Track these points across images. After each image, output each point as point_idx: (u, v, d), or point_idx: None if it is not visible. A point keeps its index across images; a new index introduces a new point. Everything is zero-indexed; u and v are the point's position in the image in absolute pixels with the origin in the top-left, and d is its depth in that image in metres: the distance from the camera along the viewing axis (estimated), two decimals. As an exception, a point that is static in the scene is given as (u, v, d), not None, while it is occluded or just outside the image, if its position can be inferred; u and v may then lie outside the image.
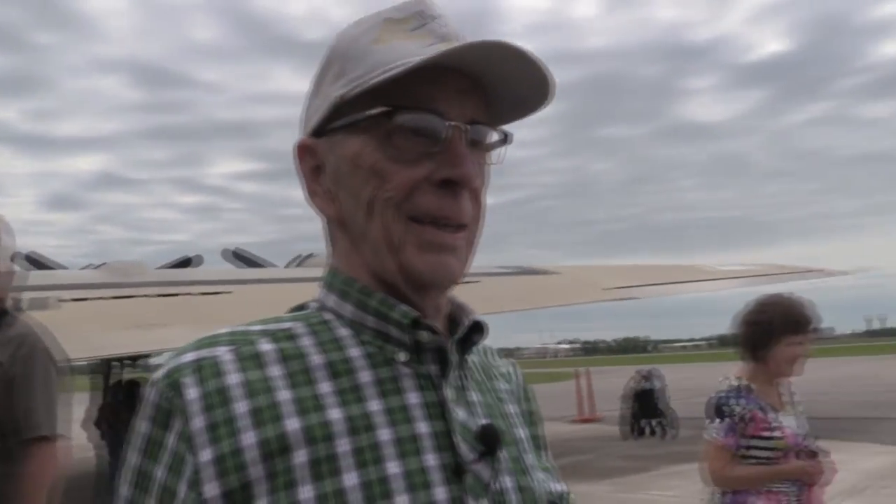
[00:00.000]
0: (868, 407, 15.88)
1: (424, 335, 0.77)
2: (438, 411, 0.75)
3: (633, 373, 14.37)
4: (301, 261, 14.29)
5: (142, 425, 0.73)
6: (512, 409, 0.87)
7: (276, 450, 0.69)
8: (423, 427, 0.74)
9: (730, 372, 2.92)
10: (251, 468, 0.68)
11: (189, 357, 0.73)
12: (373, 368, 0.76)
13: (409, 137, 0.75)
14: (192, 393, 0.71)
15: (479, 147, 0.79)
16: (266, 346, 0.75)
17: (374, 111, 0.75)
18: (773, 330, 2.80)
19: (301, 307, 0.85)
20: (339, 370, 0.75)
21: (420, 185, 0.75)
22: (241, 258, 14.93)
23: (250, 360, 0.73)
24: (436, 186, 0.75)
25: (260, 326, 0.78)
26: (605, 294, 11.89)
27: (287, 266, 14.31)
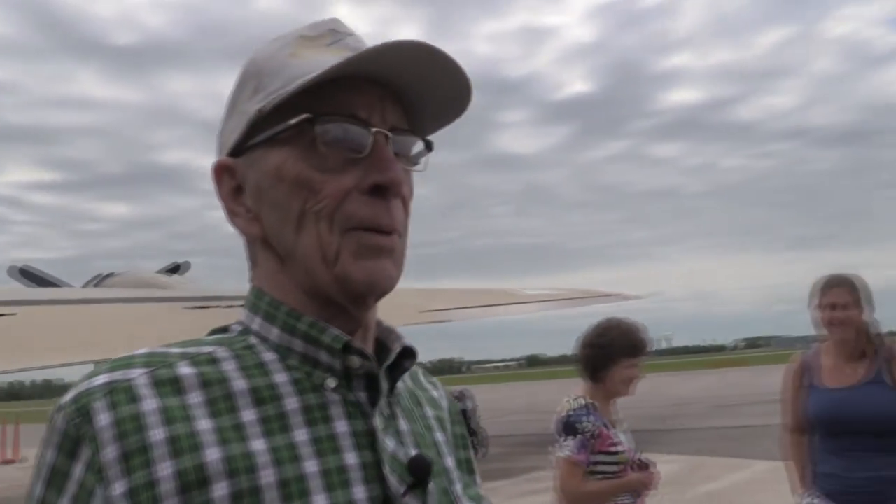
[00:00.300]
0: (657, 419, 17.31)
1: (355, 360, 0.74)
2: (367, 441, 0.72)
3: (446, 394, 14.67)
4: (99, 280, 13.37)
5: (47, 454, 0.67)
6: (440, 436, 0.84)
7: (194, 482, 0.64)
8: (351, 458, 0.71)
9: (569, 391, 3.05)
10: (166, 501, 0.63)
11: (101, 380, 0.68)
12: (300, 395, 0.72)
13: (333, 146, 0.73)
14: (103, 419, 0.65)
15: (403, 156, 0.78)
16: (185, 370, 0.70)
17: (294, 120, 0.73)
18: (612, 353, 2.96)
19: (223, 330, 0.80)
20: (263, 397, 0.71)
21: (350, 194, 0.73)
22: (30, 276, 13.76)
23: (168, 384, 0.69)
24: (366, 194, 0.73)
25: (179, 349, 0.74)
26: (421, 317, 12.11)
27: (84, 286, 13.32)
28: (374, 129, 0.74)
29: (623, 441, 2.95)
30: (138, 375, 0.68)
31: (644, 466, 2.94)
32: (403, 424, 0.78)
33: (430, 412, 0.86)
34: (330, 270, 0.73)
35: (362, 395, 0.75)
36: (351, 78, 0.73)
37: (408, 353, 0.80)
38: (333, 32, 0.79)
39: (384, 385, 0.76)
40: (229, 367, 0.72)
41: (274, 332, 0.76)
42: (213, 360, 0.72)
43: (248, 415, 0.69)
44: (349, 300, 0.74)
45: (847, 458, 3.03)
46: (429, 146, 0.81)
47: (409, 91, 0.77)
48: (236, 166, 0.79)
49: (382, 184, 0.73)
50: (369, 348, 0.78)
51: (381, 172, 0.73)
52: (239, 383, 0.71)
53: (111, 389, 0.66)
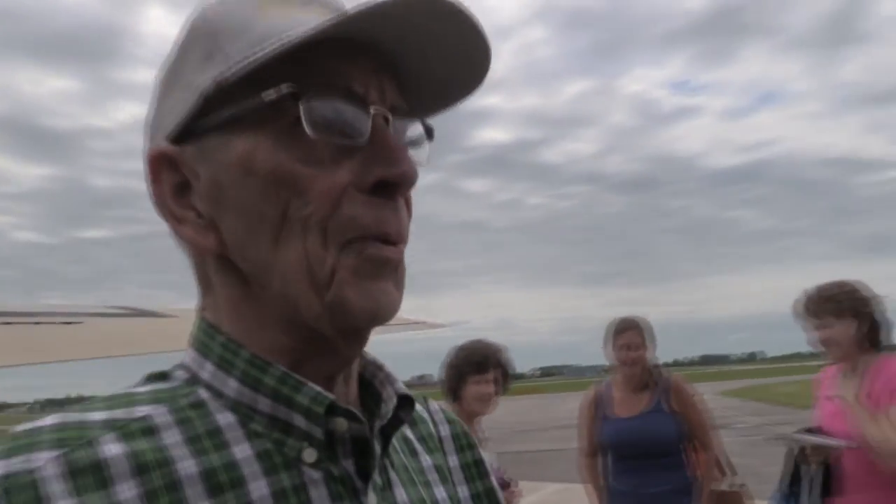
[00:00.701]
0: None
1: (342, 423, 0.55)
2: None
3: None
4: None
5: None
6: (442, 492, 0.67)
7: None
8: None
9: None
10: None
11: None
12: (268, 476, 0.53)
13: (324, 129, 0.53)
14: None
15: (406, 145, 0.59)
16: (112, 450, 0.49)
17: (271, 93, 0.52)
18: (461, 371, 3.09)
19: (161, 377, 0.59)
20: (220, 483, 0.51)
21: (347, 193, 0.54)
22: None
23: (87, 473, 0.48)
24: (368, 193, 0.54)
25: (103, 413, 0.52)
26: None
27: None
28: (373, 109, 0.55)
29: (491, 461, 3.02)
30: (45, 463, 0.47)
31: (506, 485, 3.01)
32: (402, 495, 0.61)
33: (427, 461, 0.68)
34: (320, 297, 0.54)
35: (350, 466, 0.57)
36: (339, 43, 0.54)
37: (404, 402, 0.61)
38: None
39: (377, 448, 0.58)
40: (172, 439, 0.52)
41: (231, 385, 0.56)
42: (149, 431, 0.52)
43: None
44: (342, 335, 0.56)
45: (638, 476, 3.47)
46: (429, 133, 0.62)
47: (409, 60, 0.58)
48: (181, 156, 0.57)
49: (390, 179, 0.55)
50: (353, 393, 0.61)
51: (389, 165, 0.55)
52: (186, 465, 0.51)
53: (6, 488, 0.46)
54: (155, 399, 0.55)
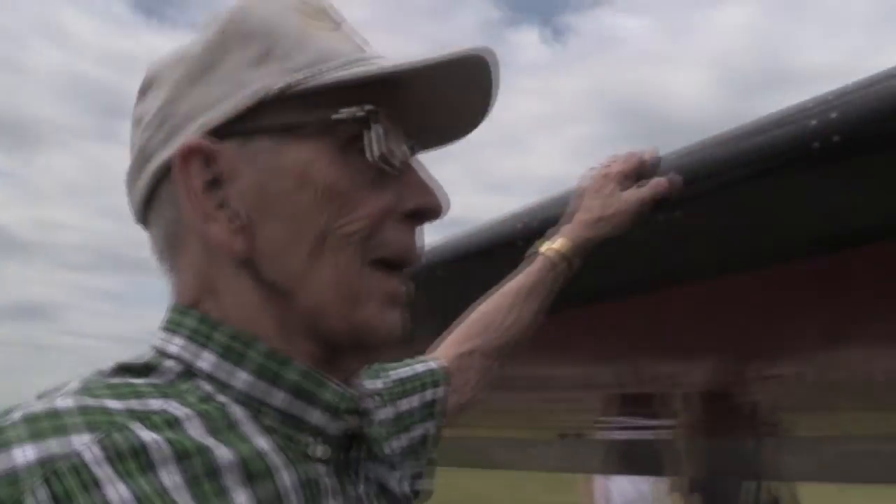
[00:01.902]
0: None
1: (353, 420, 0.58)
2: None
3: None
4: None
5: None
6: (395, 444, 0.74)
7: None
8: None
9: None
10: None
11: (28, 455, 0.43)
12: (288, 468, 0.53)
13: (380, 155, 0.56)
14: None
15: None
16: (150, 436, 0.47)
17: (345, 113, 0.55)
18: None
19: (145, 368, 0.55)
20: (254, 472, 0.51)
21: (389, 217, 0.57)
22: None
23: (130, 458, 0.46)
24: (400, 221, 0.58)
25: (118, 402, 0.49)
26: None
27: None
28: (411, 142, 0.59)
29: None
30: (86, 446, 0.45)
31: None
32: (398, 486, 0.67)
33: (383, 423, 0.73)
34: (350, 314, 0.56)
35: (350, 456, 0.60)
36: (393, 76, 0.57)
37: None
38: (327, 15, 0.60)
39: (369, 447, 0.62)
40: (197, 431, 0.50)
41: (242, 377, 0.54)
42: (172, 422, 0.50)
43: (241, 498, 0.49)
44: (360, 351, 0.59)
45: None
46: None
47: (424, 104, 0.61)
48: (221, 153, 0.55)
49: (427, 207, 0.59)
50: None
51: (426, 195, 0.59)
52: (222, 453, 0.50)
53: (54, 471, 0.43)
54: (161, 394, 0.52)
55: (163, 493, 0.45)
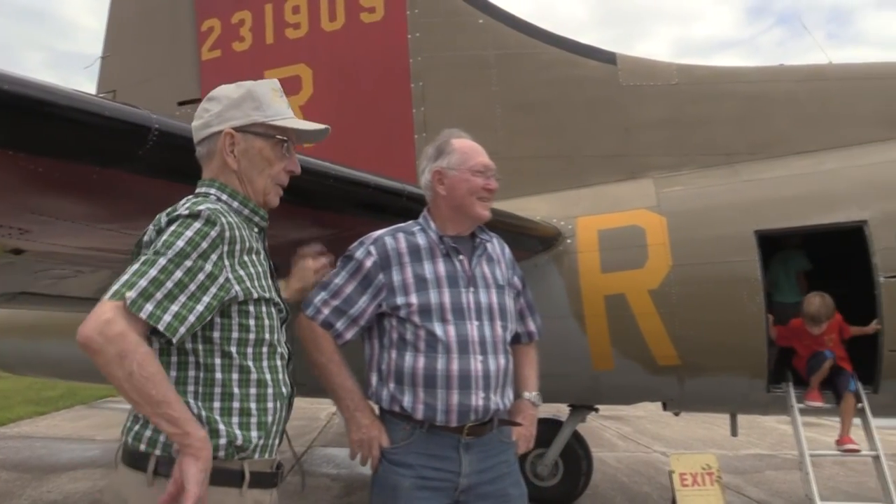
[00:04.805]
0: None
1: (264, 223, 1.97)
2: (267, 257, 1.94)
3: None
4: None
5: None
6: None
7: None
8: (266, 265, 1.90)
9: None
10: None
11: (209, 208, 1.74)
12: (250, 232, 1.85)
13: (285, 150, 1.90)
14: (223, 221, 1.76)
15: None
16: (228, 219, 1.78)
17: (280, 136, 1.89)
18: None
19: (204, 197, 1.83)
20: (247, 240, 1.80)
21: (283, 169, 1.91)
22: None
23: (232, 213, 1.84)
24: (286, 171, 1.92)
25: (208, 202, 1.79)
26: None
27: None
28: (293, 145, 1.94)
29: None
30: (218, 205, 1.77)
31: None
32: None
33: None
34: (265, 195, 1.89)
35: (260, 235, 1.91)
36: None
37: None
38: (281, 91, 1.92)
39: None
40: (233, 218, 1.77)
41: (234, 205, 1.84)
42: (227, 212, 1.76)
43: (245, 234, 1.78)
44: (266, 206, 1.91)
45: None
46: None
47: (308, 133, 1.96)
48: (236, 136, 1.83)
49: (293, 169, 1.94)
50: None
51: (295, 165, 1.94)
52: (244, 226, 1.81)
53: (213, 212, 1.69)
54: (216, 207, 1.72)
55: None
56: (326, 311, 2.30)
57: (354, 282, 2.29)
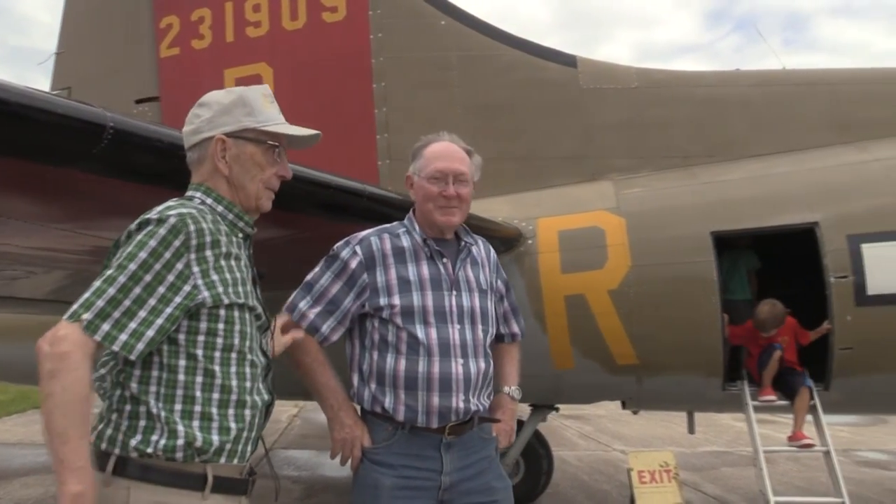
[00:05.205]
0: None
1: (250, 229, 1.91)
2: (249, 262, 1.89)
3: None
4: None
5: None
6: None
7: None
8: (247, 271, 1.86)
9: None
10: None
11: (179, 213, 1.69)
12: (232, 238, 1.80)
13: (275, 154, 1.86)
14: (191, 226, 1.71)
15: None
16: (207, 214, 1.77)
17: (270, 141, 1.85)
18: None
19: (188, 199, 1.81)
20: (227, 245, 1.76)
21: (274, 174, 1.87)
22: None
23: (208, 214, 1.78)
24: (277, 176, 1.88)
25: (186, 206, 1.73)
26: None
27: None
28: (284, 150, 1.90)
29: None
30: (195, 209, 1.70)
31: None
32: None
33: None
34: (257, 200, 1.85)
35: (245, 241, 1.86)
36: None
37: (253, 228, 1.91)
38: (270, 95, 1.88)
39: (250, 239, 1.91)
40: (211, 218, 1.73)
41: (219, 209, 1.80)
42: (206, 213, 1.73)
43: (225, 240, 1.73)
44: (257, 211, 1.88)
45: None
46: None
47: (299, 139, 1.92)
48: (228, 141, 1.80)
49: (285, 174, 1.90)
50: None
51: (286, 170, 1.90)
52: (222, 228, 1.74)
53: (190, 216, 1.67)
54: (198, 209, 1.71)
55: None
56: (312, 314, 2.30)
57: (340, 282, 2.29)
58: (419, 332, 2.23)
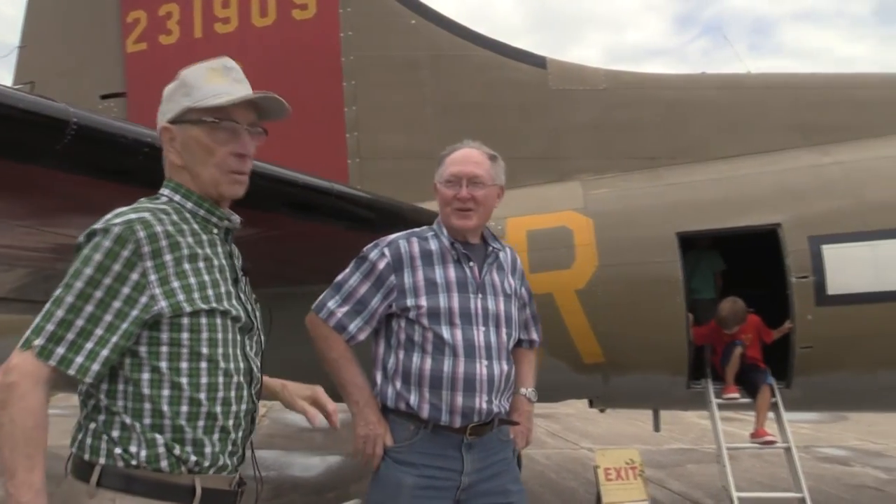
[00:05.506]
0: None
1: (226, 222, 1.72)
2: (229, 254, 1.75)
3: None
4: None
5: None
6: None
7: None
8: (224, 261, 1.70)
9: None
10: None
11: (126, 219, 1.58)
12: (206, 235, 1.67)
13: (223, 131, 1.65)
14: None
15: (254, 135, 1.70)
16: (159, 226, 1.60)
17: (210, 118, 1.63)
18: None
19: (155, 198, 1.68)
20: (196, 238, 1.63)
21: (229, 155, 1.65)
22: None
23: (163, 214, 1.62)
24: (234, 155, 1.66)
25: (142, 210, 1.59)
26: None
27: None
28: (241, 125, 1.66)
29: None
30: (145, 213, 1.56)
31: None
32: (235, 250, 1.77)
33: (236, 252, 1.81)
34: (216, 187, 1.66)
35: (223, 237, 1.72)
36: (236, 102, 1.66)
37: (241, 222, 1.75)
38: (225, 68, 1.68)
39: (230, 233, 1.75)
40: (174, 217, 1.61)
41: (188, 206, 1.65)
42: (167, 212, 1.60)
43: (190, 240, 1.60)
44: (220, 201, 1.70)
45: None
46: (265, 131, 1.75)
47: (263, 105, 1.71)
48: (173, 129, 1.66)
49: (240, 151, 1.66)
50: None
51: (242, 147, 1.66)
52: (185, 228, 1.61)
53: (141, 221, 1.54)
54: (161, 209, 1.60)
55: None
56: (340, 313, 2.35)
57: (368, 283, 2.35)
58: (445, 332, 2.28)
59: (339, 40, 5.56)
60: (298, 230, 2.38)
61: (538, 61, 5.47)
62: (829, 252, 4.38)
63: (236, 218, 1.73)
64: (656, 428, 5.79)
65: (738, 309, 4.83)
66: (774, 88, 5.25)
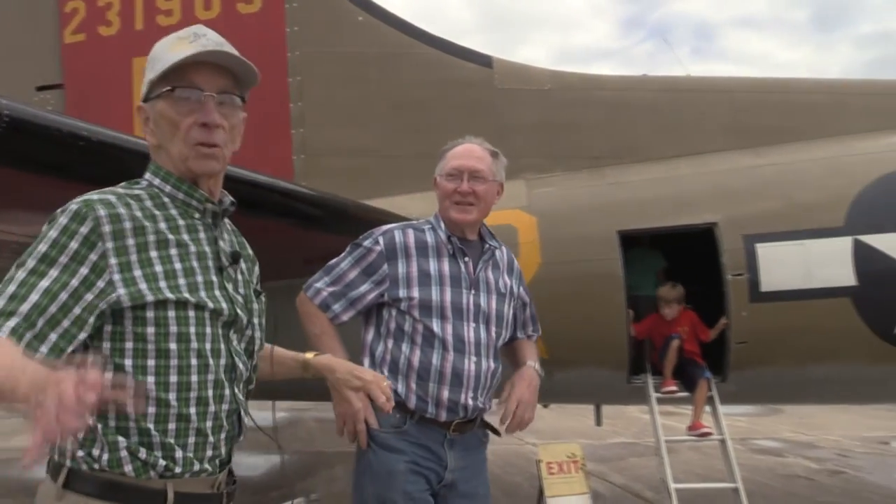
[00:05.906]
0: None
1: (210, 205, 1.56)
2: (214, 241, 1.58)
3: None
4: None
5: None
6: (250, 251, 1.77)
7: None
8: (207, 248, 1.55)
9: None
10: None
11: (87, 199, 1.47)
12: (183, 220, 1.53)
13: (183, 101, 1.48)
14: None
15: (227, 103, 1.52)
16: (132, 201, 1.52)
17: (168, 88, 1.47)
18: None
19: (135, 183, 1.57)
20: (171, 223, 1.51)
21: (194, 126, 1.48)
22: None
23: (127, 198, 1.52)
24: (199, 126, 1.48)
25: (118, 190, 1.53)
26: None
27: None
28: (205, 93, 1.48)
29: None
30: (108, 194, 1.46)
31: None
32: (226, 236, 1.63)
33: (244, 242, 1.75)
34: (185, 163, 1.51)
35: (209, 222, 1.57)
36: (197, 62, 1.47)
37: (232, 204, 1.61)
38: (194, 34, 1.50)
39: (218, 217, 1.59)
40: (149, 203, 1.50)
41: (166, 189, 1.53)
42: (140, 198, 1.49)
43: (162, 225, 1.48)
44: (196, 178, 1.54)
45: None
46: (243, 99, 1.56)
47: (231, 68, 1.52)
48: (145, 108, 1.55)
49: (206, 121, 1.48)
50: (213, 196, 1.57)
51: (206, 115, 1.48)
52: (158, 215, 1.49)
53: (101, 201, 1.43)
54: (133, 194, 1.49)
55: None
56: (325, 293, 2.38)
57: (358, 268, 2.37)
58: (436, 326, 2.29)
59: (285, 35, 5.51)
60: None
61: (484, 60, 5.52)
62: (763, 250, 4.53)
63: (227, 199, 1.59)
64: (598, 422, 5.91)
65: (677, 290, 4.97)
66: (710, 91, 5.41)
